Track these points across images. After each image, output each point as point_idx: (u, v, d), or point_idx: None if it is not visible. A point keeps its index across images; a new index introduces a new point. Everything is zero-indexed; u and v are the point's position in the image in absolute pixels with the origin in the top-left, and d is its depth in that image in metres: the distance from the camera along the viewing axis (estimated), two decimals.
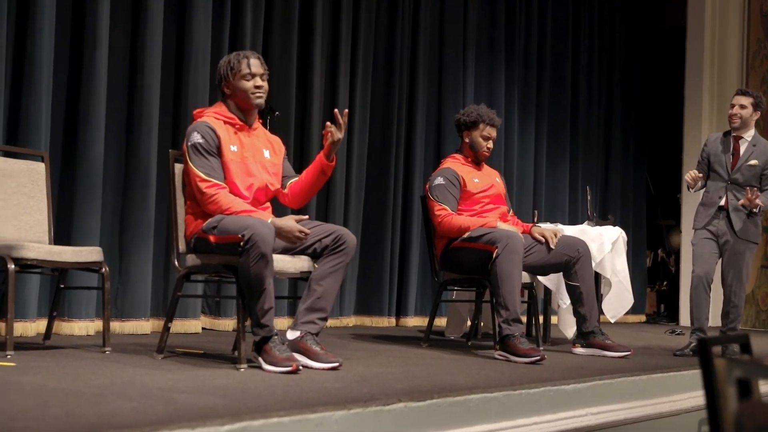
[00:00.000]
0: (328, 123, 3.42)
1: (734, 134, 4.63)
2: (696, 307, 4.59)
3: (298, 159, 5.52)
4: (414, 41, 6.35)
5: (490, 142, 4.43)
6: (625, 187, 8.53)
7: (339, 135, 3.40)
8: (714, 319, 5.54)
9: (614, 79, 8.45)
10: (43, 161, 3.77)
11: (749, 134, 4.63)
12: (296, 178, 3.55)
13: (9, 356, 3.12)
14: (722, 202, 4.56)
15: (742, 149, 4.61)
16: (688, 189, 4.71)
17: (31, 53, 4.07)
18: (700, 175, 4.61)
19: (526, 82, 7.38)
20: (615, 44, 8.44)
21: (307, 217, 3.28)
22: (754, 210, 4.48)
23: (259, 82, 3.35)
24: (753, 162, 4.56)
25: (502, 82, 7.02)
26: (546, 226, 4.59)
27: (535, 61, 7.48)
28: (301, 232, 3.17)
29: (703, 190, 4.70)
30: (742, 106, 4.58)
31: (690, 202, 7.98)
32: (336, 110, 3.46)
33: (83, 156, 4.27)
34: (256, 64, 3.36)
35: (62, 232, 4.16)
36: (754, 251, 4.66)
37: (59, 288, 3.75)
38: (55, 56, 4.19)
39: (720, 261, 4.64)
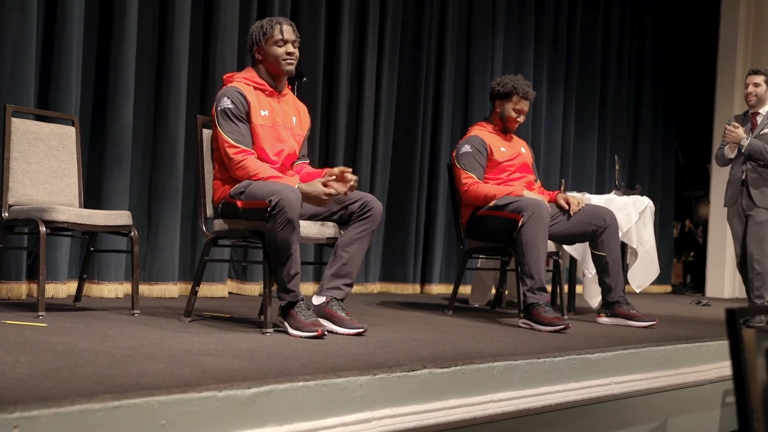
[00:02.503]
0: (333, 179, 3.20)
1: (752, 111, 4.89)
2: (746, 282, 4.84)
3: (325, 125, 5.52)
4: (443, 7, 6.29)
5: (522, 116, 4.39)
6: (654, 156, 8.44)
7: (341, 189, 3.23)
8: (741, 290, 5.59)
9: (645, 48, 8.32)
10: (73, 125, 3.80)
11: (765, 108, 4.87)
12: (304, 162, 3.52)
13: (41, 317, 3.18)
14: (744, 176, 4.81)
15: (758, 123, 4.85)
16: (725, 158, 4.88)
17: (61, 19, 4.09)
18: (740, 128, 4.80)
19: (555, 51, 7.30)
20: (647, 13, 8.30)
21: (350, 170, 3.20)
22: (741, 144, 4.72)
23: (290, 48, 3.34)
24: (765, 131, 4.78)
25: (531, 51, 6.95)
26: (573, 196, 4.56)
27: (565, 30, 7.38)
28: (327, 195, 3.16)
29: (729, 166, 4.96)
30: (756, 84, 4.85)
31: (720, 173, 7.90)
32: (344, 172, 3.22)
33: (113, 121, 4.30)
34: (288, 31, 3.35)
35: (92, 196, 4.21)
36: None
37: (89, 251, 3.81)
38: (84, 22, 4.21)
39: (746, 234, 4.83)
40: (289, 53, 3.34)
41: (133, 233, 3.58)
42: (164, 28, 4.57)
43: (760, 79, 4.82)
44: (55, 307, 3.64)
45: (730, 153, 4.83)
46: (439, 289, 6.24)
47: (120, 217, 3.55)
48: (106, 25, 4.36)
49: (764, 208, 4.72)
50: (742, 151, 4.73)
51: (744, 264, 4.79)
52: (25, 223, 3.40)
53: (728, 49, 7.97)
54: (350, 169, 3.25)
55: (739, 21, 7.86)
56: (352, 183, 3.22)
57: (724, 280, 7.88)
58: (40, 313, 3.20)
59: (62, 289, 4.12)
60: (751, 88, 4.83)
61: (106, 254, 4.22)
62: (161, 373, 2.06)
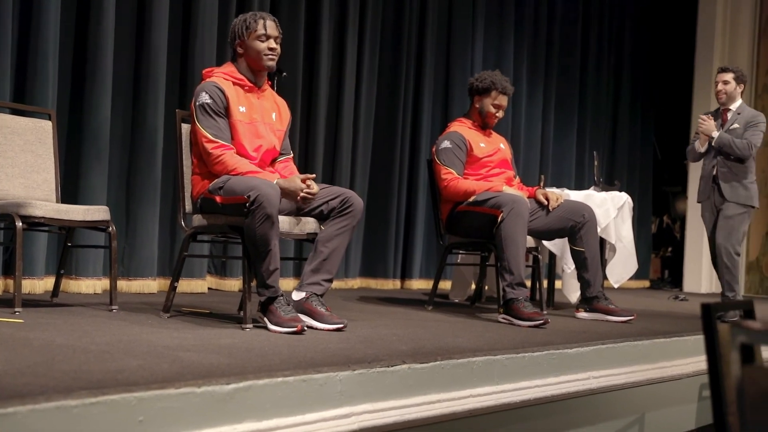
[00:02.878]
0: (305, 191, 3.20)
1: (723, 108, 4.92)
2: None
3: (305, 120, 5.51)
4: (423, 7, 6.30)
5: (501, 111, 4.41)
6: (632, 152, 8.50)
7: (316, 190, 3.24)
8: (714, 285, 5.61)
9: (624, 44, 8.37)
10: (50, 119, 3.76)
11: (735, 105, 4.89)
12: (287, 158, 3.52)
13: (17, 312, 3.15)
14: (714, 172, 4.82)
15: (728, 119, 4.88)
16: (695, 152, 4.90)
17: (37, 11, 4.05)
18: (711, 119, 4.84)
19: (535, 47, 7.32)
20: (626, 9, 8.35)
21: (313, 175, 3.27)
22: (711, 136, 4.73)
23: (272, 44, 3.33)
24: (734, 126, 4.80)
25: (511, 47, 6.97)
26: (552, 191, 4.59)
27: (545, 26, 7.41)
28: (306, 192, 3.17)
29: (701, 161, 5.00)
30: (726, 82, 4.87)
31: (696, 169, 7.97)
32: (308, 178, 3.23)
33: (90, 115, 4.26)
34: (271, 26, 3.34)
35: (70, 191, 4.18)
36: (747, 216, 4.81)
37: (66, 246, 3.78)
38: (62, 15, 4.16)
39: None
40: (271, 48, 3.33)
41: (111, 228, 3.55)
42: (142, 23, 4.54)
43: (729, 76, 4.85)
44: (31, 302, 3.61)
45: (701, 147, 4.85)
46: (419, 284, 6.25)
47: (98, 212, 3.52)
48: (84, 18, 4.32)
49: (734, 203, 4.75)
50: (712, 144, 4.76)
51: (717, 258, 4.82)
52: (1, 219, 3.36)
53: (705, 46, 8.03)
54: (313, 175, 3.25)
55: (716, 18, 7.92)
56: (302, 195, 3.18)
57: (701, 276, 7.95)
58: (16, 309, 3.17)
59: (39, 285, 4.08)
60: (720, 86, 4.86)
61: (84, 249, 4.19)
62: (139, 369, 2.05)
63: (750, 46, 8.00)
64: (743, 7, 7.96)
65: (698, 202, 4.99)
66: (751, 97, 8.00)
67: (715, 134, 4.75)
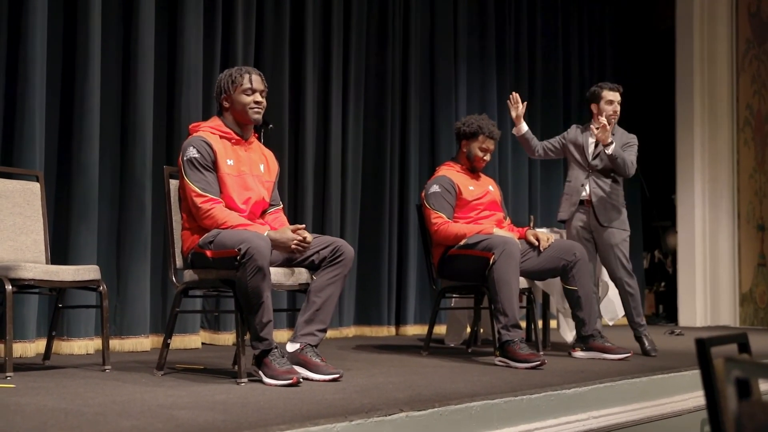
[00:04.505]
0: (297, 241, 3.19)
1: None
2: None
3: (293, 170, 5.53)
4: (405, 53, 6.37)
5: (488, 154, 4.45)
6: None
7: (309, 239, 3.24)
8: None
9: (606, 80, 8.46)
10: (38, 181, 3.77)
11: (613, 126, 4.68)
12: (276, 209, 3.52)
13: (9, 378, 3.11)
14: (585, 194, 4.64)
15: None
16: (520, 132, 4.75)
17: (23, 73, 4.08)
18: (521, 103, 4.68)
19: (518, 87, 7.39)
20: (605, 50, 8.47)
21: (304, 226, 3.28)
22: (606, 146, 4.49)
23: (258, 97, 3.36)
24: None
25: (494, 91, 7.04)
26: (542, 231, 4.60)
27: (527, 69, 7.50)
28: (297, 243, 3.17)
29: (569, 181, 4.76)
30: (619, 102, 4.72)
31: (685, 202, 8.02)
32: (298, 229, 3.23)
33: (78, 174, 4.27)
34: (257, 80, 3.38)
35: (59, 251, 4.16)
36: (627, 238, 4.66)
37: (57, 307, 3.75)
38: (47, 75, 4.19)
39: (597, 255, 4.67)
40: (257, 102, 3.36)
41: (101, 287, 3.53)
42: (128, 80, 4.57)
43: (619, 96, 4.69)
44: (23, 366, 3.57)
45: (517, 132, 4.69)
46: (414, 330, 6.21)
47: (88, 271, 3.51)
48: (69, 78, 4.35)
49: (616, 229, 4.59)
50: (607, 151, 4.49)
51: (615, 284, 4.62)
52: None
53: (685, 82, 8.12)
54: (303, 226, 3.25)
55: (694, 54, 8.02)
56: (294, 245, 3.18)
57: (695, 309, 7.94)
58: (8, 374, 3.13)
59: (31, 348, 4.04)
60: (615, 106, 4.65)
61: (75, 310, 4.16)
62: (133, 429, 2.02)
63: (729, 81, 8.11)
64: (719, 42, 8.08)
65: (560, 220, 4.75)
66: (733, 131, 8.08)
67: (611, 147, 4.48)
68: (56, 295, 3.74)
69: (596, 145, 4.67)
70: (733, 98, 8.12)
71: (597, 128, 4.53)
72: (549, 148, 4.86)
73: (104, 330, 3.52)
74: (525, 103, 4.77)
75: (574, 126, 4.95)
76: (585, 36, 8.21)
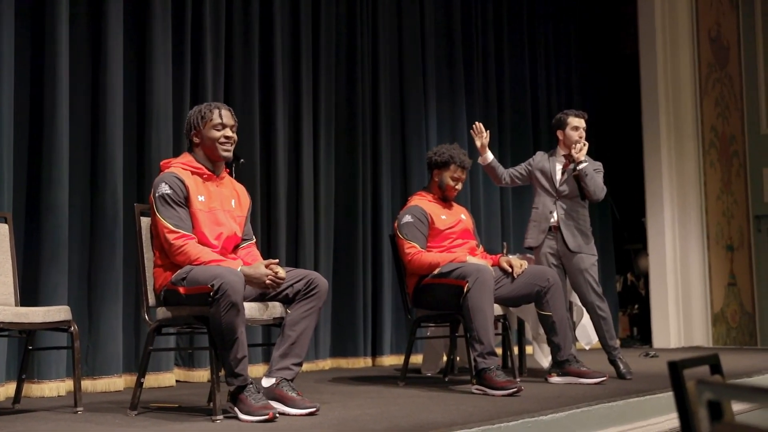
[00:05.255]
0: (271, 277, 3.20)
1: (564, 153, 4.75)
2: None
3: (265, 204, 5.52)
4: (375, 84, 6.42)
5: (460, 183, 4.48)
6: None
7: (283, 274, 3.24)
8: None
9: (573, 106, 8.57)
10: (6, 222, 3.73)
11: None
12: (249, 243, 3.52)
13: None
14: (553, 220, 4.67)
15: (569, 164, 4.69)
16: (486, 161, 4.84)
17: None
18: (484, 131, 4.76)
19: (486, 117, 7.47)
20: (572, 77, 8.59)
21: (277, 260, 3.27)
22: (578, 163, 4.53)
23: (228, 132, 3.37)
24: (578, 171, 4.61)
25: (464, 120, 7.09)
26: (515, 258, 4.62)
27: (495, 97, 7.58)
28: (271, 278, 3.17)
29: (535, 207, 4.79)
30: (585, 129, 4.74)
31: (655, 225, 8.11)
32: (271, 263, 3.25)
33: (47, 215, 4.23)
34: (227, 115, 3.39)
35: (29, 292, 4.10)
36: (596, 262, 4.69)
37: (27, 350, 3.69)
38: (15, 116, 4.16)
39: (567, 280, 4.69)
40: (227, 137, 3.37)
41: (72, 328, 3.49)
42: (96, 118, 4.55)
43: (584, 123, 4.71)
44: None
45: (483, 161, 4.78)
46: (390, 360, 6.19)
47: (59, 312, 3.46)
48: (37, 118, 4.32)
49: (585, 254, 4.61)
50: (579, 167, 4.52)
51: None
52: None
53: (650, 107, 8.24)
54: (277, 261, 3.25)
55: (658, 79, 8.16)
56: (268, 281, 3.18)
57: (669, 331, 8.00)
58: None
59: (0, 392, 3.96)
60: (581, 132, 4.67)
61: (45, 352, 4.09)
62: None
63: (693, 104, 8.25)
64: (682, 66, 8.23)
65: (527, 246, 4.75)
66: (699, 153, 8.21)
67: (584, 164, 4.51)
68: (26, 337, 3.68)
69: (563, 172, 4.71)
70: (697, 121, 8.26)
71: (574, 147, 4.57)
72: (515, 175, 4.90)
73: (76, 371, 3.47)
74: (488, 132, 4.82)
75: (540, 152, 4.99)
76: (552, 66, 8.32)
